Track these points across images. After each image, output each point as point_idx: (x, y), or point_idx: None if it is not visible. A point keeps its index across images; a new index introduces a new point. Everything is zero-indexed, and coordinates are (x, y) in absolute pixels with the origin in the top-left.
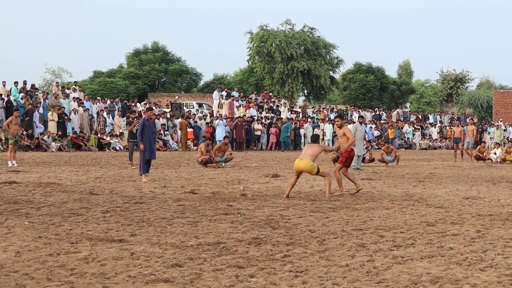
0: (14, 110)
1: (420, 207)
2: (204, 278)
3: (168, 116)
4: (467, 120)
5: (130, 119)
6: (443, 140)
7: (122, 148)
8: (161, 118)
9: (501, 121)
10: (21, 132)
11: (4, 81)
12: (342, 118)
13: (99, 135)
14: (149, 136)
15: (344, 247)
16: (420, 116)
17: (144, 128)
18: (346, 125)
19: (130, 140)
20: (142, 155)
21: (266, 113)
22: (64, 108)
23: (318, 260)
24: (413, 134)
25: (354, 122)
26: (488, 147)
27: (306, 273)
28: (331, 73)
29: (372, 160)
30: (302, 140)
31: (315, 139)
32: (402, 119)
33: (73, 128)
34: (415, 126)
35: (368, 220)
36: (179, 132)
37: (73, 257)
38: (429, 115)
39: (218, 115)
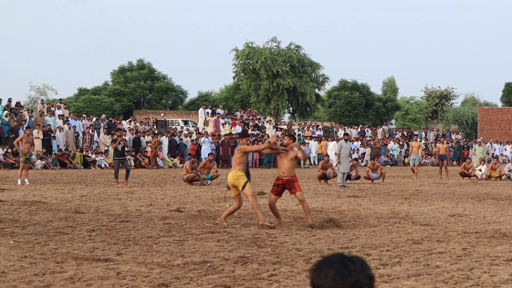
0: (26, 128)
1: (406, 225)
2: None
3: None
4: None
5: (115, 136)
6: (429, 157)
7: (108, 165)
8: (146, 136)
9: (481, 139)
10: (33, 150)
11: None
12: (293, 138)
13: (84, 153)
14: None
15: None
16: (405, 133)
17: None
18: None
19: (115, 158)
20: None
21: (252, 130)
22: (50, 125)
23: (304, 279)
24: (400, 152)
25: (339, 139)
26: (473, 164)
27: None
28: (316, 90)
29: (358, 177)
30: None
31: (242, 135)
32: (387, 136)
33: (58, 146)
34: (400, 143)
35: (354, 238)
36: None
37: (59, 277)
38: (414, 131)
39: (203, 133)
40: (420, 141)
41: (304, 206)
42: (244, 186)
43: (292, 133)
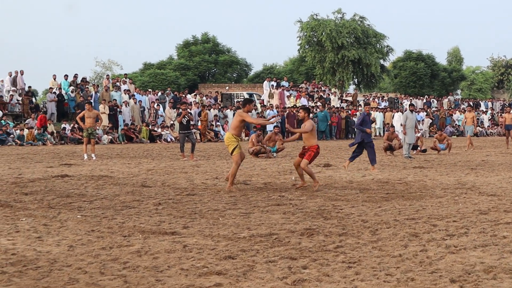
0: (87, 103)
1: (472, 195)
2: (257, 270)
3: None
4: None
5: (180, 110)
6: (495, 127)
7: (173, 139)
8: (212, 109)
9: None
10: (100, 126)
11: (55, 75)
12: (307, 111)
13: (150, 127)
14: None
15: (396, 237)
16: (471, 103)
17: None
18: (310, 119)
19: (180, 131)
20: None
21: (316, 102)
22: (116, 100)
23: (371, 251)
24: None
25: (405, 110)
26: None
27: (359, 264)
28: (381, 61)
29: (424, 151)
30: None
31: (244, 103)
32: (453, 106)
33: (124, 121)
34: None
35: (420, 209)
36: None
37: (126, 251)
38: (480, 102)
39: (268, 105)
40: (475, 111)
41: (306, 171)
42: (232, 152)
43: (357, 104)
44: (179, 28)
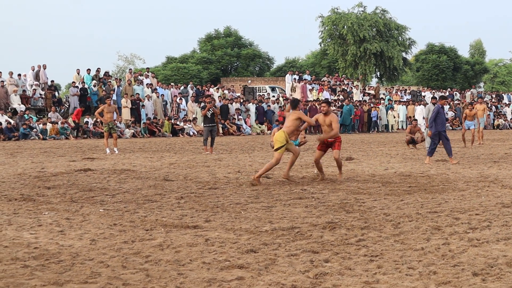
0: (106, 98)
1: (495, 188)
2: (279, 263)
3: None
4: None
5: (205, 103)
6: None
7: (196, 133)
8: (234, 103)
9: None
10: (119, 120)
11: (78, 69)
12: (329, 104)
13: (172, 121)
14: None
15: (419, 230)
16: (494, 96)
17: None
18: (334, 113)
19: (205, 125)
20: None
21: (338, 96)
22: (138, 94)
23: (393, 244)
24: (488, 115)
25: (427, 103)
26: None
27: (381, 257)
28: (403, 54)
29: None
30: (378, 122)
31: (293, 105)
32: (476, 99)
33: (146, 114)
34: (489, 106)
35: (443, 202)
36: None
37: (148, 244)
38: (503, 94)
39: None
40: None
41: (337, 162)
42: (277, 149)
43: (380, 97)
44: (201, 22)
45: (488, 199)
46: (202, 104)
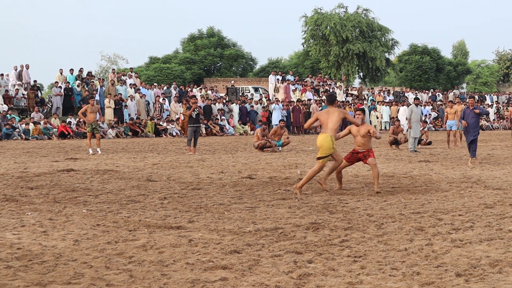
0: (89, 98)
1: (478, 189)
2: (263, 264)
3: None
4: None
5: (190, 103)
6: (500, 120)
7: (179, 133)
8: (217, 103)
9: None
10: (102, 121)
11: (61, 69)
12: (364, 112)
13: (155, 121)
14: None
15: (402, 231)
16: (477, 97)
17: None
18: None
19: (190, 125)
20: None
21: (323, 96)
22: (121, 94)
23: (376, 245)
24: None
25: (410, 104)
26: None
27: (364, 258)
28: (386, 55)
29: (429, 143)
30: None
31: (331, 99)
32: (459, 100)
33: (129, 115)
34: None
35: (426, 203)
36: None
37: (131, 245)
38: (486, 95)
39: (274, 99)
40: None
41: (374, 171)
42: (320, 158)
43: (363, 98)
44: (184, 22)
45: (471, 200)
46: (187, 105)
